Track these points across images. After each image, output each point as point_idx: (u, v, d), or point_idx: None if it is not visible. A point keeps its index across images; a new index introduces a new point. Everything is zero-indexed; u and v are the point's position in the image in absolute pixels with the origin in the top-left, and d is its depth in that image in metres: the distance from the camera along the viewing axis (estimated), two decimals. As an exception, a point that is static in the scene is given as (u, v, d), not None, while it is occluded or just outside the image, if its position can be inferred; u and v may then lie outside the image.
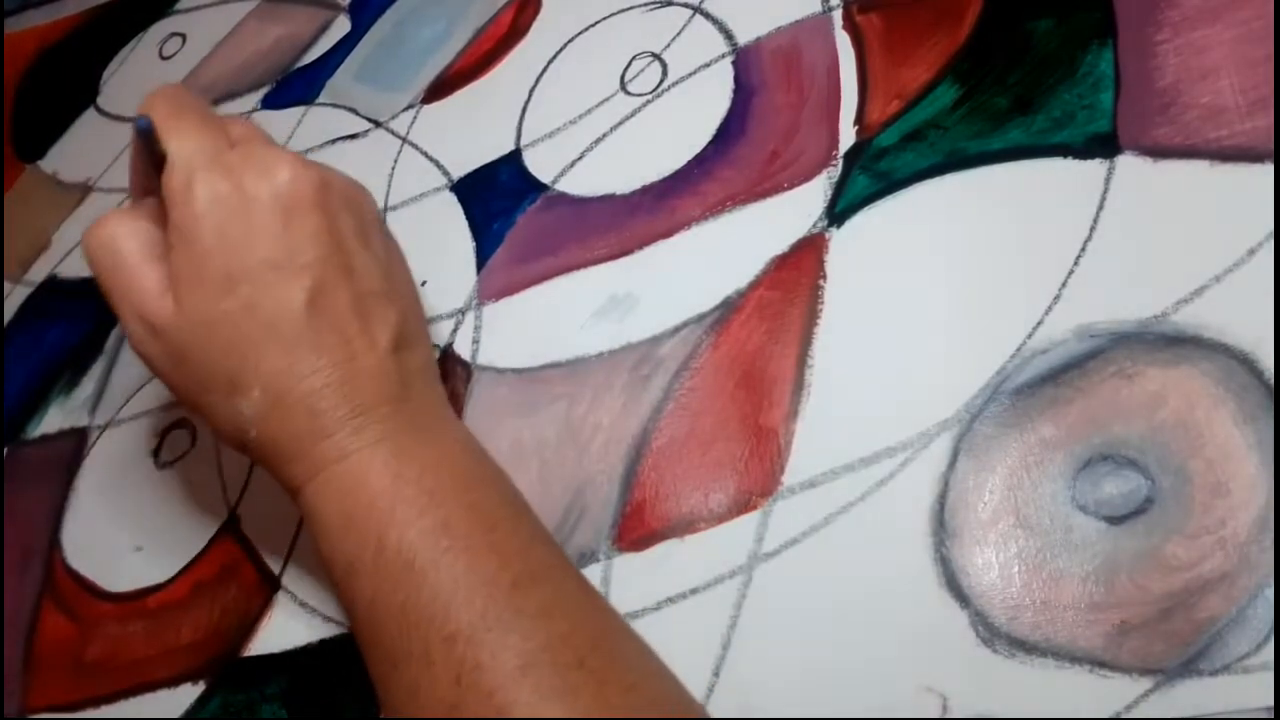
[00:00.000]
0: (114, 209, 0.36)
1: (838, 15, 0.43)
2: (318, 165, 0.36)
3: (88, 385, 0.51)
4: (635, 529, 0.36)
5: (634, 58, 0.46)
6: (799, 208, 0.39)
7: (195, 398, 0.35)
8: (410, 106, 0.51)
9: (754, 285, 0.38)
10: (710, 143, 0.43)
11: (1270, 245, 0.32)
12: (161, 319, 0.34)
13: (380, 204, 0.49)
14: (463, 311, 0.43)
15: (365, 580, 0.31)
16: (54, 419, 0.50)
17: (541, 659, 0.30)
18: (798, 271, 0.38)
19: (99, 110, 0.62)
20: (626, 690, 0.30)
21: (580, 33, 0.49)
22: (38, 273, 0.57)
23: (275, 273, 0.33)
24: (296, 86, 0.56)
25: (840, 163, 0.39)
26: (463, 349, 0.43)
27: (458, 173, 0.47)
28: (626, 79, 0.46)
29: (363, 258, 0.35)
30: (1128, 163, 0.35)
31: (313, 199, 0.34)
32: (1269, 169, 0.33)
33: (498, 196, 0.46)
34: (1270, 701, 0.27)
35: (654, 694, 0.31)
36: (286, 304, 0.33)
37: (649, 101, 0.45)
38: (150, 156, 0.36)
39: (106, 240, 0.35)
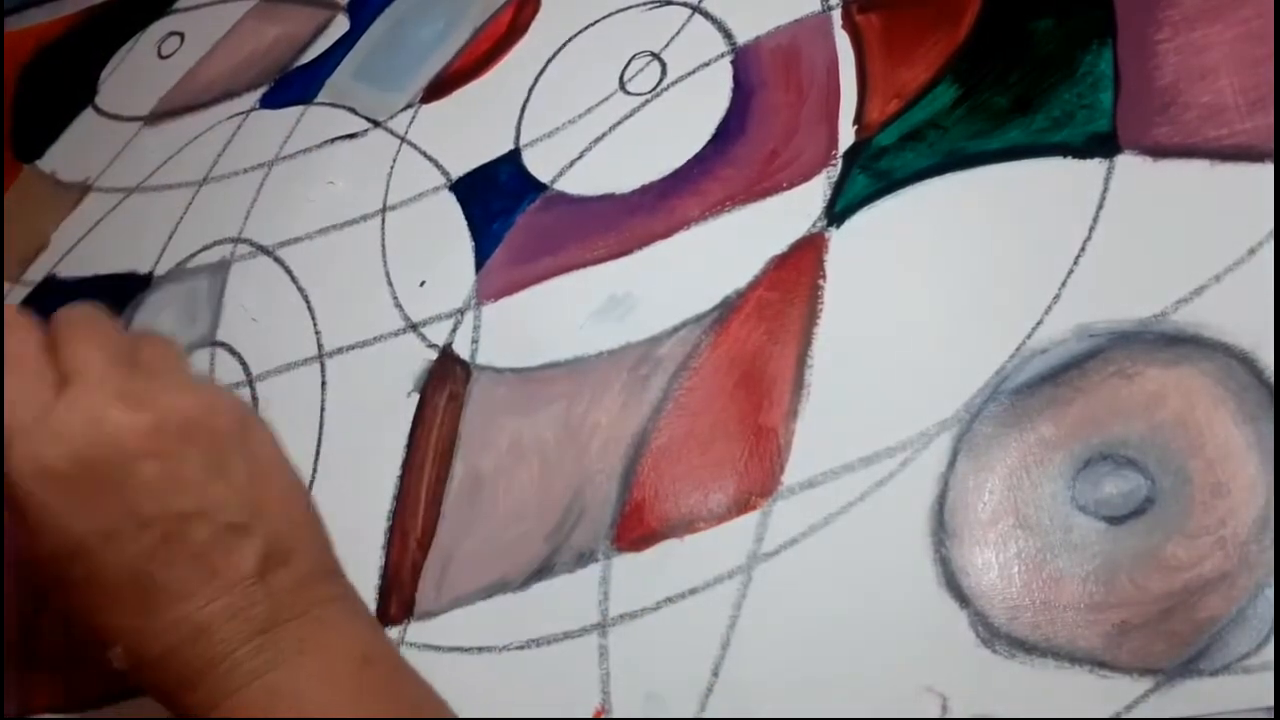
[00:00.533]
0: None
1: (837, 15, 0.43)
2: (158, 395, 0.33)
3: (86, 385, 0.50)
4: (634, 529, 0.36)
5: (633, 57, 0.46)
6: (798, 207, 0.39)
7: (125, 644, 0.33)
8: (409, 106, 0.51)
9: (753, 285, 0.38)
10: (709, 142, 0.42)
11: (1270, 245, 0.32)
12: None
13: (379, 204, 0.48)
14: (462, 311, 0.43)
15: None
16: (53, 419, 0.50)
17: None
18: (797, 271, 0.38)
19: (97, 110, 0.62)
20: None
21: (579, 32, 0.49)
22: (36, 272, 0.56)
23: (108, 540, 0.31)
24: (295, 86, 0.56)
25: (840, 162, 0.39)
26: (462, 349, 0.43)
27: (457, 172, 0.47)
28: (626, 78, 0.46)
29: (215, 491, 0.33)
30: (1127, 162, 0.35)
31: (146, 449, 0.32)
32: (1269, 168, 0.33)
33: (497, 196, 0.46)
34: (1270, 701, 0.27)
35: None
36: (128, 568, 0.31)
37: (648, 101, 0.45)
38: None
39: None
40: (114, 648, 0.32)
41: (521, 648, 0.36)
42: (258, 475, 0.35)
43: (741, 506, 0.35)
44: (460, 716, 0.33)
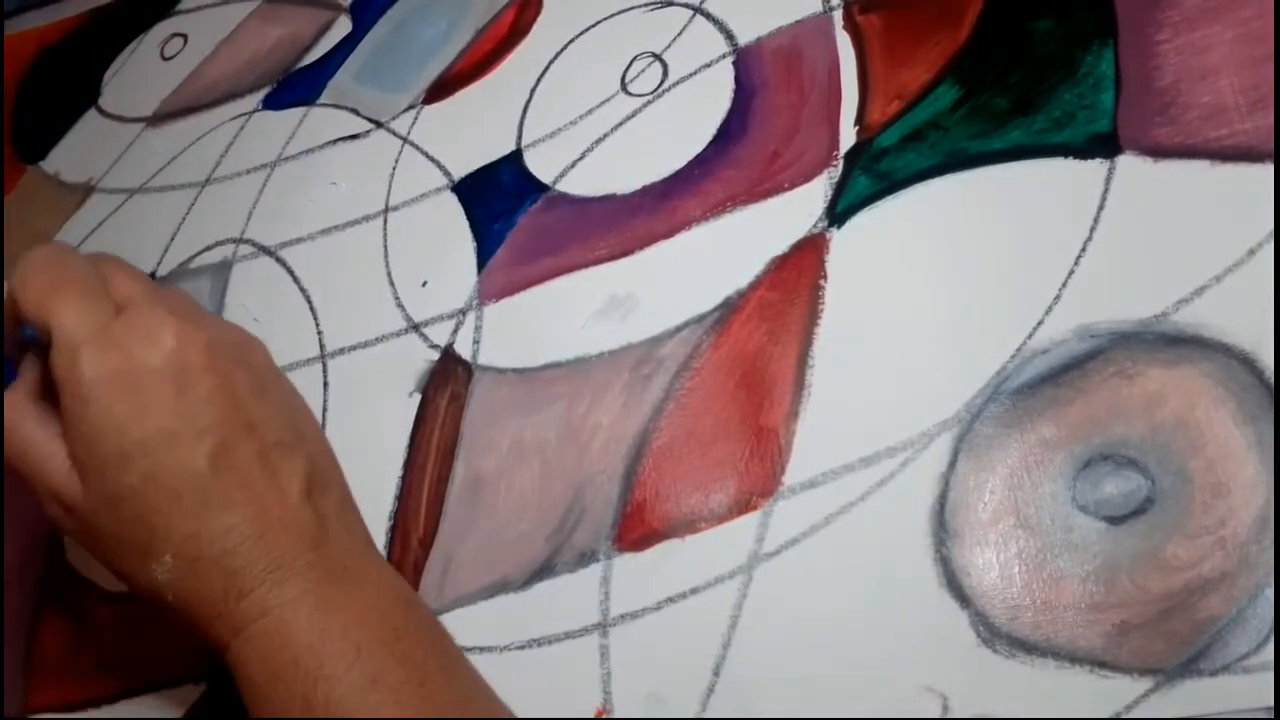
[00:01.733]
0: (8, 390, 0.36)
1: (838, 15, 0.43)
2: (205, 322, 0.35)
3: (89, 385, 0.50)
4: (635, 529, 0.36)
5: (635, 58, 0.46)
6: (799, 208, 0.39)
7: (113, 567, 0.35)
8: (411, 107, 0.51)
9: (754, 285, 0.38)
10: (711, 143, 0.43)
11: (1270, 245, 0.32)
12: (70, 498, 0.34)
13: (381, 205, 0.49)
14: (463, 312, 0.44)
15: None
16: (55, 419, 0.50)
17: None
18: (798, 272, 0.38)
19: (100, 111, 0.62)
20: None
21: (581, 33, 0.49)
22: (39, 273, 0.57)
23: (172, 441, 0.33)
24: (297, 87, 0.56)
25: (841, 163, 0.39)
26: (463, 349, 0.43)
27: (459, 173, 0.48)
28: (627, 79, 0.46)
29: (262, 411, 0.35)
30: (1128, 163, 0.35)
31: (203, 362, 0.34)
32: (1269, 169, 0.33)
33: (499, 197, 0.46)
34: (1270, 701, 0.27)
35: None
36: (189, 469, 0.33)
37: (650, 102, 0.45)
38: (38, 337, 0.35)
39: (9, 429, 0.35)
40: (163, 557, 0.33)
41: (523, 647, 0.36)
42: (296, 407, 0.38)
43: (742, 506, 0.35)
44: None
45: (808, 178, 0.40)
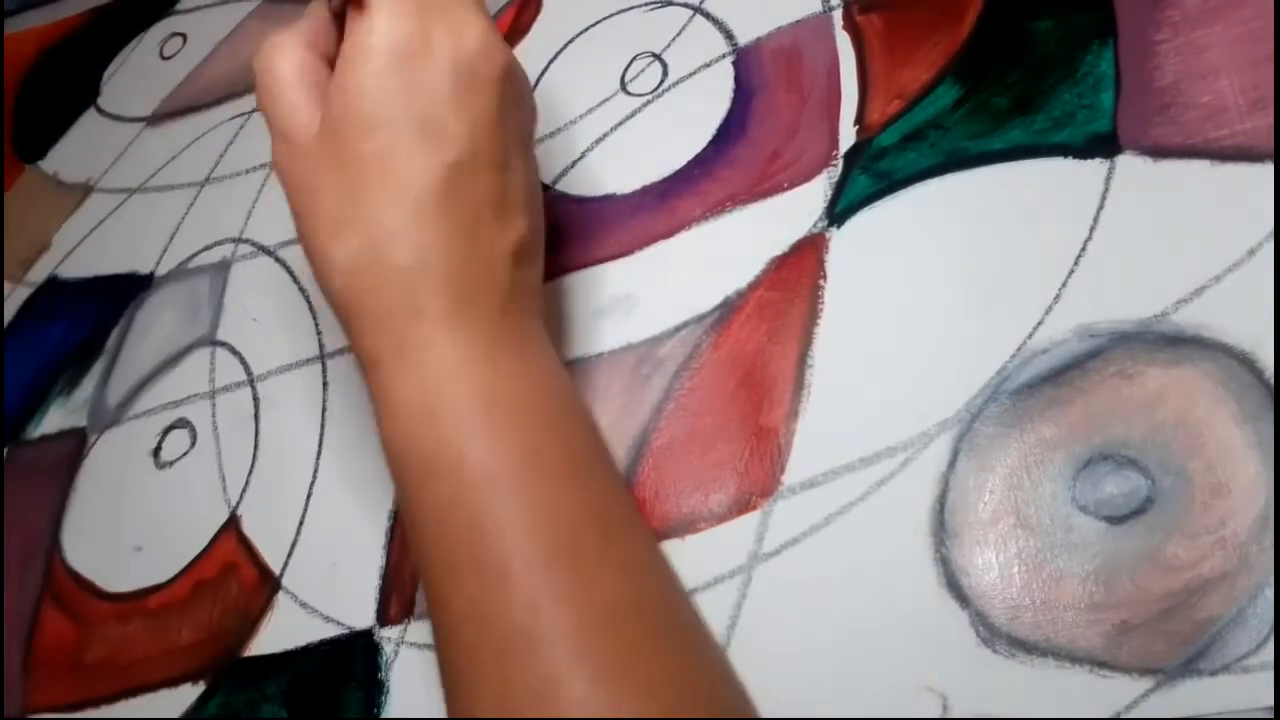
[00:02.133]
0: (288, 29, 0.35)
1: (838, 15, 0.43)
2: (510, 51, 0.34)
3: (88, 385, 0.51)
4: (635, 529, 0.36)
5: (634, 58, 0.46)
6: (799, 208, 0.39)
7: (301, 224, 0.33)
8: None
9: (754, 285, 0.38)
10: (710, 143, 0.43)
11: (1270, 245, 0.32)
12: (299, 140, 0.33)
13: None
14: (463, 311, 0.43)
15: (441, 483, 0.29)
16: (54, 419, 0.51)
17: (624, 610, 0.28)
18: (798, 271, 0.38)
19: (100, 111, 0.62)
20: (703, 664, 0.30)
21: (581, 33, 0.49)
22: (38, 273, 0.57)
23: (422, 134, 0.31)
24: (297, 87, 0.56)
25: (840, 163, 0.39)
26: (463, 349, 0.43)
27: (458, 173, 0.47)
28: (627, 79, 0.46)
29: (519, 160, 0.34)
30: (1128, 162, 0.35)
31: (491, 78, 0.33)
32: (1269, 169, 0.33)
33: (498, 197, 0.46)
34: (1270, 701, 0.27)
35: (720, 665, 0.31)
36: (422, 169, 0.31)
37: (649, 102, 0.45)
38: None
39: (267, 60, 0.34)
40: (351, 240, 0.31)
41: (522, 647, 0.36)
42: (536, 180, 0.36)
43: (742, 506, 0.35)
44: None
45: (807, 177, 0.40)
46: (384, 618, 0.38)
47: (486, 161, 0.32)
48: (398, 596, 0.39)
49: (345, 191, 0.31)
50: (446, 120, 0.32)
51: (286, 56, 0.34)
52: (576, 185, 0.44)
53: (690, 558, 0.35)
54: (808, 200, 0.39)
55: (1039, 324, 0.34)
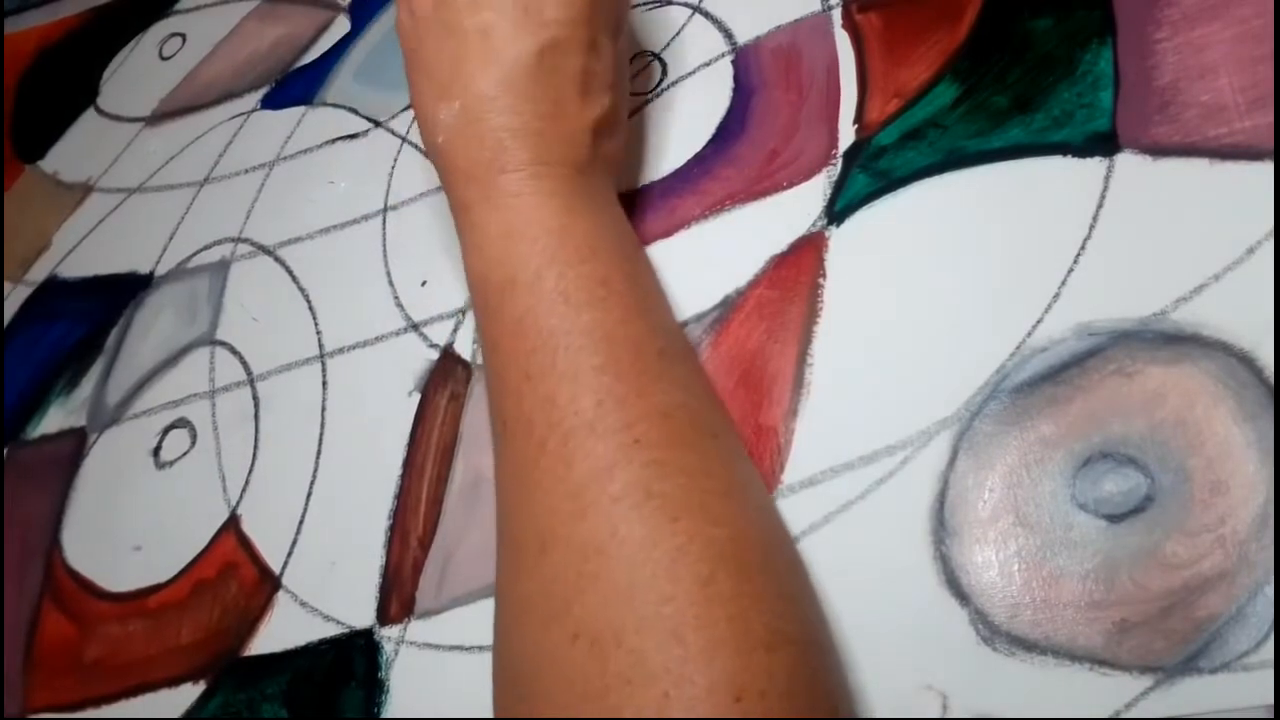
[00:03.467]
0: None
1: (837, 14, 0.43)
2: None
3: (87, 385, 0.51)
4: (635, 528, 0.36)
5: (634, 57, 0.46)
6: (798, 207, 0.39)
7: (414, 84, 0.38)
8: (410, 106, 0.51)
9: (753, 284, 0.38)
10: (710, 142, 0.43)
11: (1270, 243, 0.32)
12: (420, 8, 0.37)
13: (380, 204, 0.49)
14: (463, 311, 0.44)
15: (519, 298, 0.33)
16: (54, 419, 0.51)
17: (681, 415, 0.31)
18: (797, 270, 0.38)
19: (99, 110, 0.62)
20: (751, 475, 0.32)
21: (580, 32, 0.48)
22: (38, 273, 0.57)
23: (523, 14, 0.35)
24: (296, 87, 0.56)
25: (840, 161, 0.39)
26: (463, 349, 0.43)
27: (457, 172, 0.47)
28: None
29: (604, 42, 0.37)
30: (1127, 161, 0.35)
31: None
32: (1268, 167, 0.33)
33: (497, 196, 0.46)
34: (1270, 700, 0.27)
35: (765, 491, 0.33)
36: (519, 46, 0.35)
37: (649, 100, 0.45)
38: None
39: None
40: (454, 103, 0.36)
41: (522, 646, 0.36)
42: (625, 64, 0.40)
43: (742, 505, 0.35)
44: (467, 716, 0.33)
45: (807, 176, 0.40)
46: (384, 617, 0.38)
47: (577, 45, 0.36)
48: (398, 595, 0.39)
49: (451, 59, 0.36)
50: (545, 4, 0.36)
51: None
52: (576, 184, 0.44)
53: (690, 556, 0.35)
54: (807, 199, 0.39)
55: (1038, 322, 0.34)
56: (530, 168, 0.35)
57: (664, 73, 0.45)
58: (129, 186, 0.57)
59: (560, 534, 0.29)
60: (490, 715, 0.33)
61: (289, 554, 0.41)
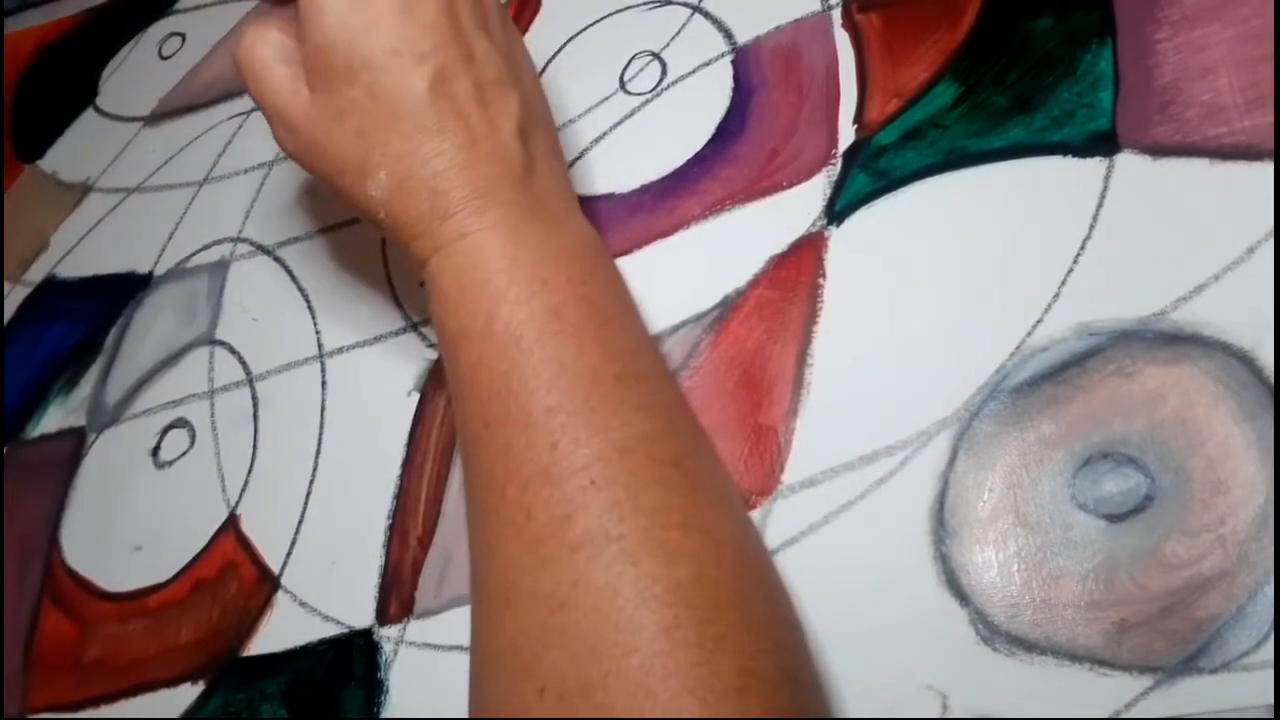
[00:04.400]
0: (253, 19, 0.38)
1: (837, 14, 0.43)
2: None
3: (86, 385, 0.51)
4: (635, 528, 0.36)
5: (633, 57, 0.46)
6: (798, 206, 0.39)
7: (333, 183, 0.36)
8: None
9: (753, 284, 0.38)
10: (709, 142, 0.42)
11: (1270, 243, 0.32)
12: (296, 114, 0.36)
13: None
14: (462, 311, 0.43)
15: (472, 346, 0.33)
16: (54, 419, 0.50)
17: (639, 448, 0.31)
18: (797, 270, 0.38)
19: (98, 110, 0.62)
20: (717, 500, 0.31)
21: (579, 32, 0.49)
22: (37, 273, 0.57)
23: (396, 60, 0.34)
24: (296, 86, 0.56)
25: (839, 161, 0.39)
26: (462, 348, 0.42)
27: (457, 172, 0.47)
28: (626, 78, 0.46)
29: (482, 45, 0.36)
30: (1127, 161, 0.35)
31: None
32: (1268, 167, 0.33)
33: (497, 196, 0.46)
34: (1270, 699, 0.27)
35: (739, 512, 0.32)
36: (408, 90, 0.34)
37: (648, 101, 0.45)
38: None
39: (247, 50, 0.37)
40: (378, 174, 0.35)
41: (522, 646, 0.36)
42: (515, 44, 0.39)
43: (741, 505, 0.35)
44: (467, 717, 0.33)
45: (806, 176, 0.40)
46: (383, 617, 0.38)
47: (455, 63, 0.35)
48: (397, 595, 0.39)
49: (355, 136, 0.35)
50: (408, 41, 0.34)
51: (264, 41, 0.36)
52: (576, 184, 0.44)
53: (690, 556, 0.35)
54: (807, 199, 0.39)
55: (1038, 322, 0.34)
56: (470, 204, 0.34)
57: (664, 73, 0.45)
58: (128, 186, 0.57)
59: (524, 587, 0.29)
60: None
61: (288, 554, 0.41)
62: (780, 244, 0.39)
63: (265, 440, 0.45)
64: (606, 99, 0.46)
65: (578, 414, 0.31)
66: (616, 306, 0.35)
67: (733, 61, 0.44)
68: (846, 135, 0.40)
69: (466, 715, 0.31)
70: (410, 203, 0.34)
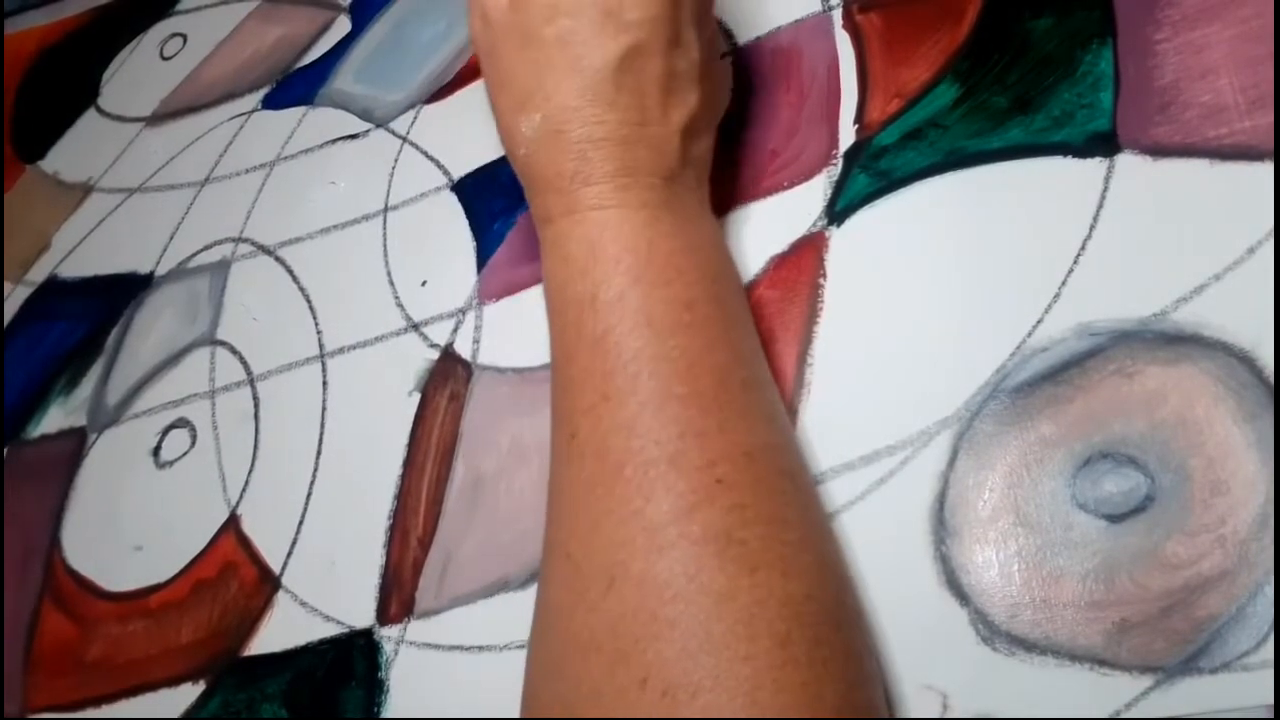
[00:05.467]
0: None
1: (838, 14, 0.43)
2: None
3: (87, 385, 0.51)
4: (635, 528, 0.36)
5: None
6: (799, 207, 0.39)
7: (494, 97, 0.36)
8: (411, 106, 0.51)
9: (754, 284, 0.38)
10: (710, 142, 0.42)
11: (1270, 243, 0.32)
12: (494, 14, 0.36)
13: (380, 204, 0.49)
14: (463, 311, 0.44)
15: (600, 316, 0.32)
16: (54, 419, 0.51)
17: (762, 457, 0.30)
18: (798, 270, 0.38)
19: (100, 111, 0.62)
20: (822, 521, 0.31)
21: (580, 32, 0.48)
22: (38, 273, 0.57)
23: (602, 18, 0.34)
24: (297, 87, 0.56)
25: (840, 162, 0.39)
26: (463, 349, 0.43)
27: (458, 172, 0.48)
28: (626, 79, 0.46)
29: (688, 36, 0.36)
30: (1127, 161, 0.35)
31: None
32: (1269, 167, 0.33)
33: (498, 196, 0.46)
34: (1270, 699, 0.27)
35: (835, 536, 0.32)
36: (600, 52, 0.34)
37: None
38: None
39: None
40: (535, 114, 0.34)
41: (521, 647, 0.36)
42: (715, 50, 0.39)
43: (742, 505, 0.35)
44: (467, 717, 0.33)
45: (807, 176, 0.40)
46: (384, 617, 0.38)
47: (659, 45, 0.34)
48: (398, 595, 0.39)
49: (530, 69, 0.34)
50: (624, 6, 0.34)
51: None
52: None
53: (690, 556, 0.35)
54: (807, 199, 0.39)
55: (1039, 322, 0.34)
56: (616, 179, 0.34)
57: (664, 73, 0.45)
58: (129, 186, 0.57)
59: (633, 570, 0.28)
60: (489, 715, 0.33)
61: (289, 554, 0.41)
62: (781, 244, 0.39)
63: (266, 440, 0.45)
64: (607, 99, 0.46)
65: (709, 411, 0.30)
66: (743, 311, 0.35)
67: (733, 62, 0.44)
68: (847, 135, 0.40)
69: (467, 715, 0.31)
70: (557, 156, 0.34)
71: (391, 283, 0.46)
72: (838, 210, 0.39)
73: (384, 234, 0.48)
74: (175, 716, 0.40)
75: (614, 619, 0.28)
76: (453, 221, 0.46)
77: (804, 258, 0.38)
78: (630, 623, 0.28)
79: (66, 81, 0.65)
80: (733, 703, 0.26)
